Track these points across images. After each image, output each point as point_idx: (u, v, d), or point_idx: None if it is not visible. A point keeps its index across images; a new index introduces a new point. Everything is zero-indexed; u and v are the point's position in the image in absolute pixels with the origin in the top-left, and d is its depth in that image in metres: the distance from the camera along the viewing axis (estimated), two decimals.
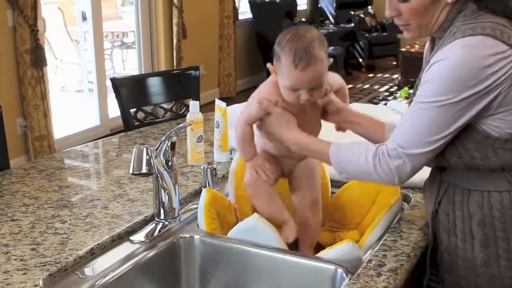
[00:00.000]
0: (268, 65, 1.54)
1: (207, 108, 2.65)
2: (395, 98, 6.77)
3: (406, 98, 5.93)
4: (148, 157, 1.47)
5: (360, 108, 2.04)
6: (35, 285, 1.27)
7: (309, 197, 1.63)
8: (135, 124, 2.71)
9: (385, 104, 2.67)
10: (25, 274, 1.31)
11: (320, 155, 1.50)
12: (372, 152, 1.40)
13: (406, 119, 1.39)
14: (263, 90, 1.55)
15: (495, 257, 1.41)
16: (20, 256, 1.39)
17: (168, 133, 1.56)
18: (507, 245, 1.40)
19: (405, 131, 1.38)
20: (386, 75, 8.62)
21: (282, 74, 1.48)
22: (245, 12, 7.81)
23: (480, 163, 1.39)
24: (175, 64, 6.13)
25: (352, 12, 9.12)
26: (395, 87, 7.56)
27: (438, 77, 1.32)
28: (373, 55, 8.89)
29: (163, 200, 1.58)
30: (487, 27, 1.31)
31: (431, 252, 1.52)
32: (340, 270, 1.39)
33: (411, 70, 6.98)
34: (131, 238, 1.53)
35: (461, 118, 1.32)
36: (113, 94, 2.72)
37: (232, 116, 2.15)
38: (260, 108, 1.51)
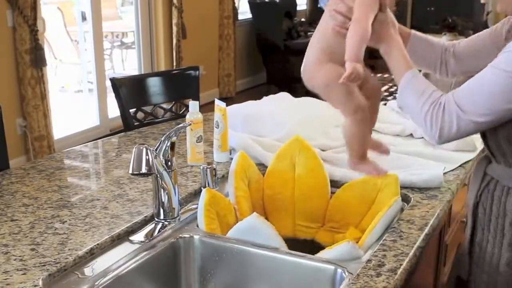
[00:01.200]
0: None
1: (207, 108, 2.65)
2: (395, 98, 6.77)
3: None
4: (147, 157, 1.47)
5: None
6: (35, 285, 1.27)
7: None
8: (135, 124, 2.71)
9: (385, 104, 2.68)
10: (24, 274, 1.31)
11: (398, 69, 1.47)
12: (434, 97, 1.38)
13: (474, 80, 1.36)
14: None
15: None
16: (19, 256, 1.39)
17: (168, 133, 1.56)
18: None
19: (468, 92, 1.36)
20: (386, 75, 8.61)
21: None
22: (244, 12, 7.81)
23: None
24: (174, 64, 6.13)
25: None
26: (395, 87, 7.56)
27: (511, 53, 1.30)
28: (373, 54, 8.84)
29: (163, 200, 1.58)
30: None
31: (469, 243, 1.53)
32: (339, 270, 1.39)
33: None
34: (131, 238, 1.53)
35: None
36: (113, 94, 2.72)
37: (232, 116, 2.16)
38: (378, 3, 1.47)
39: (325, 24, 1.55)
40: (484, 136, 1.46)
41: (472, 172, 1.58)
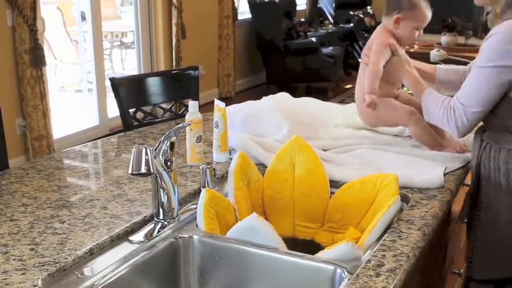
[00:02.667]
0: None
1: (207, 108, 2.65)
2: None
3: None
4: (147, 157, 1.47)
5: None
6: (34, 285, 1.27)
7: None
8: (134, 124, 2.71)
9: None
10: (24, 274, 1.31)
11: (417, 93, 1.96)
12: (445, 104, 1.82)
13: (467, 81, 1.79)
14: (380, 40, 2.05)
15: None
16: (19, 256, 1.39)
17: (167, 133, 1.56)
18: None
19: (465, 91, 1.78)
20: None
21: (416, 16, 2.01)
22: (244, 12, 7.82)
23: (508, 123, 1.78)
24: (174, 64, 6.13)
25: (351, 12, 9.12)
26: None
27: (490, 46, 1.71)
28: None
29: (162, 200, 1.58)
30: None
31: (475, 195, 1.91)
32: (339, 270, 1.39)
33: None
34: (130, 238, 1.52)
35: (508, 82, 1.70)
36: (112, 94, 2.72)
37: (232, 116, 2.16)
38: (389, 50, 2.02)
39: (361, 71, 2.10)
40: None
41: (473, 143, 1.96)
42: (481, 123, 1.90)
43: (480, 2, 1.88)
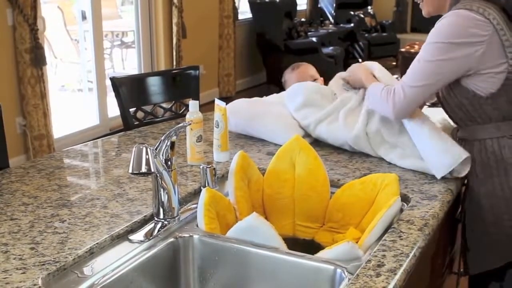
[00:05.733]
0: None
1: (207, 107, 2.65)
2: None
3: None
4: (147, 156, 1.47)
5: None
6: (34, 284, 1.27)
7: None
8: (135, 123, 2.71)
9: None
10: (24, 273, 1.31)
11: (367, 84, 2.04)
12: (387, 88, 1.89)
13: (413, 62, 1.86)
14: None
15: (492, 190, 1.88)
16: (19, 255, 1.39)
17: (168, 132, 1.56)
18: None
19: (408, 70, 1.85)
20: None
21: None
22: (244, 12, 7.81)
23: (474, 114, 1.86)
24: (174, 63, 6.13)
25: (352, 12, 9.12)
26: None
27: (434, 31, 1.82)
28: (373, 55, 8.89)
29: (163, 200, 1.58)
30: (475, 5, 1.78)
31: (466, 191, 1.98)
32: (339, 270, 1.39)
33: None
34: (130, 237, 1.52)
35: (449, 61, 1.78)
36: (113, 94, 2.72)
37: (232, 114, 2.16)
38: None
39: None
40: (444, 109, 1.97)
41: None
42: (455, 125, 1.99)
43: (427, 13, 1.96)
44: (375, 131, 2.01)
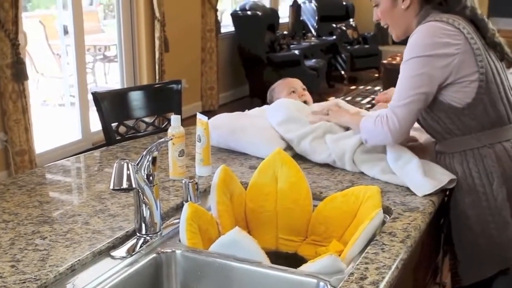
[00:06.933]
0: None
1: (190, 121, 2.64)
2: (373, 106, 6.80)
3: None
4: (128, 172, 1.46)
5: None
6: None
7: None
8: (117, 138, 2.70)
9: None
10: None
11: (356, 126, 2.01)
12: (378, 117, 1.87)
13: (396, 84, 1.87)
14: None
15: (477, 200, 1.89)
16: None
17: (149, 148, 1.55)
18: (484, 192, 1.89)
19: (394, 91, 1.87)
20: (368, 87, 8.67)
21: None
22: (227, 25, 7.83)
23: (452, 127, 1.89)
24: (157, 77, 6.12)
25: (334, 25, 9.17)
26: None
27: (409, 47, 1.84)
28: (355, 67, 8.95)
29: (145, 215, 1.57)
30: (444, 17, 1.84)
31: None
32: (322, 284, 1.39)
33: (393, 82, 6.96)
34: (112, 253, 1.51)
35: (429, 73, 1.80)
36: (95, 108, 2.71)
37: (214, 128, 2.16)
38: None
39: None
40: (421, 126, 1.98)
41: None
42: (433, 139, 2.02)
43: (396, 37, 2.00)
44: (361, 151, 2.02)
